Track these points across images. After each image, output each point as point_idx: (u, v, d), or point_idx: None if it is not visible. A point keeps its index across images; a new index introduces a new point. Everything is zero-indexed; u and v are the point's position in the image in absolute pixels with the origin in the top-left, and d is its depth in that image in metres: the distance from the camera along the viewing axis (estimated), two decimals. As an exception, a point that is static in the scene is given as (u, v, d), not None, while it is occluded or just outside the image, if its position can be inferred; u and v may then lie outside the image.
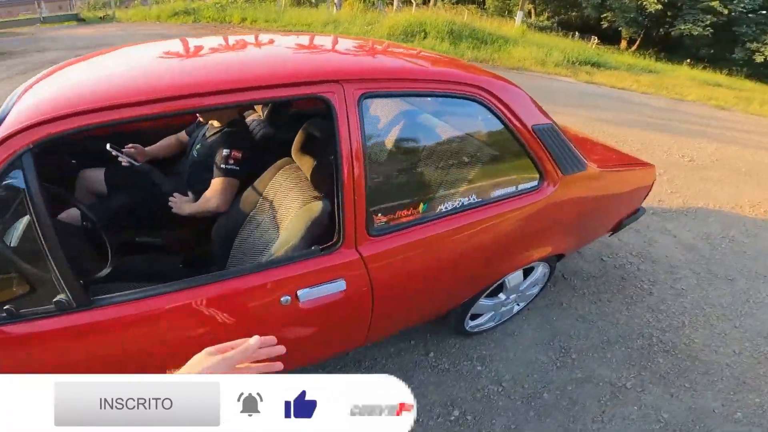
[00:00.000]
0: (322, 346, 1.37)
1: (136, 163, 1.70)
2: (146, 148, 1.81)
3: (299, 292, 1.08)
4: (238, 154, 1.51)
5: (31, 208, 0.83)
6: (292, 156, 1.41)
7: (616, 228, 2.14)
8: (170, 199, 1.57)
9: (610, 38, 20.03)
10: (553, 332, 2.05)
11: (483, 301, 1.78)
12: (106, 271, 1.21)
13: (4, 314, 0.86)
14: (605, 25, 20.41)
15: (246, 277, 1.04)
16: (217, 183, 1.50)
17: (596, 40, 16.52)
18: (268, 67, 1.08)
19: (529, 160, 1.47)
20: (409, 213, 1.21)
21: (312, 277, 1.10)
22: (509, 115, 1.37)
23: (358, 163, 1.04)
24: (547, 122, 1.50)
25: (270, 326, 1.12)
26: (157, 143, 1.88)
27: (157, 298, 0.97)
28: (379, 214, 1.16)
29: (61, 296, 0.89)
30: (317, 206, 1.20)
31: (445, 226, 1.27)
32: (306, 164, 1.33)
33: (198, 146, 1.72)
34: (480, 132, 1.46)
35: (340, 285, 1.12)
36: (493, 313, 1.91)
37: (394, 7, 13.56)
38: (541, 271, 1.93)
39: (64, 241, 1.25)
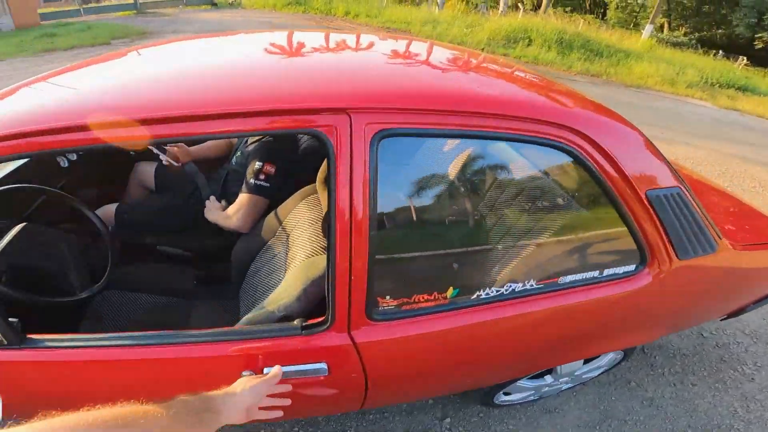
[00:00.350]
0: (299, 411, 1.11)
1: (175, 164, 1.59)
2: (192, 148, 1.71)
3: (266, 370, 0.82)
4: (271, 169, 1.29)
5: None
6: (316, 187, 1.16)
7: (736, 314, 1.57)
8: (206, 202, 1.43)
9: (763, 60, 16.64)
10: (604, 414, 1.64)
11: (523, 383, 1.38)
12: (85, 293, 1.12)
13: None
14: (759, 45, 17.03)
15: (204, 345, 0.81)
16: (242, 199, 1.31)
17: (744, 61, 13.77)
18: (238, 86, 0.77)
19: (629, 236, 1.02)
20: (432, 297, 0.87)
21: (286, 357, 0.84)
22: (611, 171, 0.94)
23: (362, 225, 0.74)
24: (672, 186, 1.02)
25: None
26: (205, 143, 1.77)
27: (94, 349, 0.80)
28: (388, 296, 0.84)
29: None
30: (320, 263, 0.93)
31: (480, 317, 0.91)
32: (325, 201, 1.06)
33: (238, 153, 1.57)
34: (561, 186, 1.04)
35: (320, 369, 0.84)
36: (533, 392, 1.50)
37: (500, 11, 12.73)
38: (611, 357, 1.47)
39: (55, 253, 1.17)
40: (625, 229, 1.01)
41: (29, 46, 8.80)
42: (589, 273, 1.02)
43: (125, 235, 1.51)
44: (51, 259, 1.15)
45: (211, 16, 13.52)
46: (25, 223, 1.14)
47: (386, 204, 0.81)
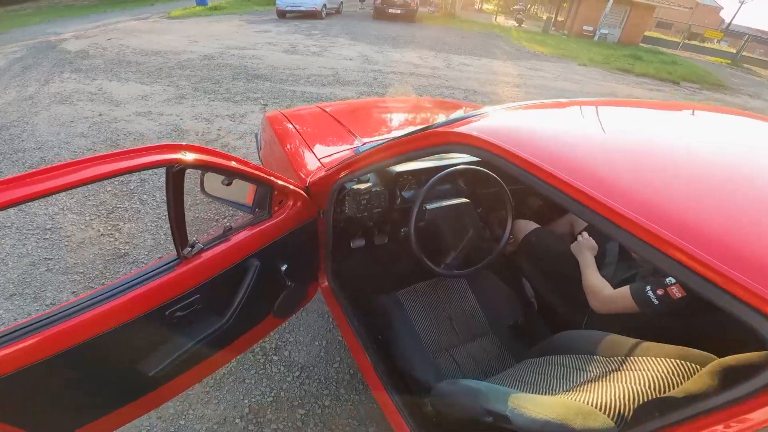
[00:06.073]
0: None
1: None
2: None
3: None
4: (677, 294, 1.00)
5: None
6: None
7: None
8: (582, 237, 1.33)
9: None
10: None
11: None
12: (445, 271, 1.22)
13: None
14: None
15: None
16: (623, 293, 1.12)
17: None
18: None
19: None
20: None
21: None
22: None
23: None
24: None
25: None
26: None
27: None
28: None
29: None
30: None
31: None
32: None
33: None
34: None
35: None
36: None
37: None
38: None
39: (461, 233, 1.30)
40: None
41: (612, 61, 9.97)
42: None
43: (521, 251, 1.54)
44: (453, 235, 1.28)
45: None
46: (467, 200, 1.30)
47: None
